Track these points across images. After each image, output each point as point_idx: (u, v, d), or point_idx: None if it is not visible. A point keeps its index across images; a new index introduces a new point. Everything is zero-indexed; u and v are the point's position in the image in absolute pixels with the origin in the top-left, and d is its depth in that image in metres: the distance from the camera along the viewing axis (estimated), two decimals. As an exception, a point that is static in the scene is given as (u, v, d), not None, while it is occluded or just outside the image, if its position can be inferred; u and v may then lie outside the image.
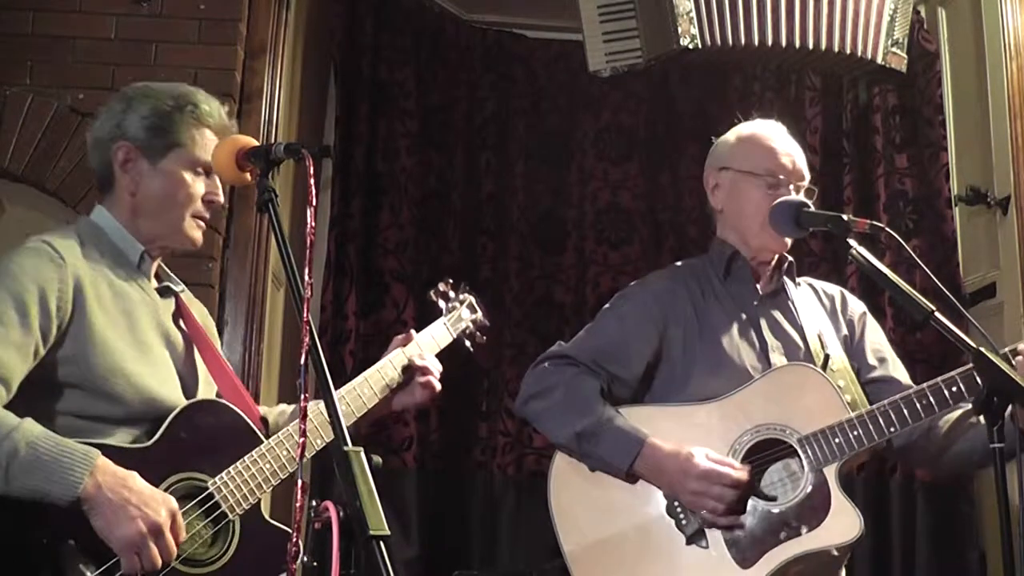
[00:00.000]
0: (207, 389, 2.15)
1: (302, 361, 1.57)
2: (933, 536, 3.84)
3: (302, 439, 1.58)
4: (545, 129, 4.45)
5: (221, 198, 2.18)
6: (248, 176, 1.83)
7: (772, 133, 2.53)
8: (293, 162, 1.78)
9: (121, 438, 1.96)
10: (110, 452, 1.87)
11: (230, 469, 2.00)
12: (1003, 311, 3.66)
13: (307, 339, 1.56)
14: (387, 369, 2.27)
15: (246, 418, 2.07)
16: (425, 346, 2.34)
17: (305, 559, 1.55)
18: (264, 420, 2.22)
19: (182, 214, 2.12)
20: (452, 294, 2.51)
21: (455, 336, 2.46)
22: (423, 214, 4.25)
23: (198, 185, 2.13)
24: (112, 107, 2.17)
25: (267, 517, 2.06)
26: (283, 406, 2.36)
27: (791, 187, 2.44)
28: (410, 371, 2.29)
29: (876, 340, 2.55)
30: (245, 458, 2.02)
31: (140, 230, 2.12)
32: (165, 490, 1.91)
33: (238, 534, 2.00)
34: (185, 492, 1.96)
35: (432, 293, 2.50)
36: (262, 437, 2.07)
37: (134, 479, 1.86)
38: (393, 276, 4.11)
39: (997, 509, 1.79)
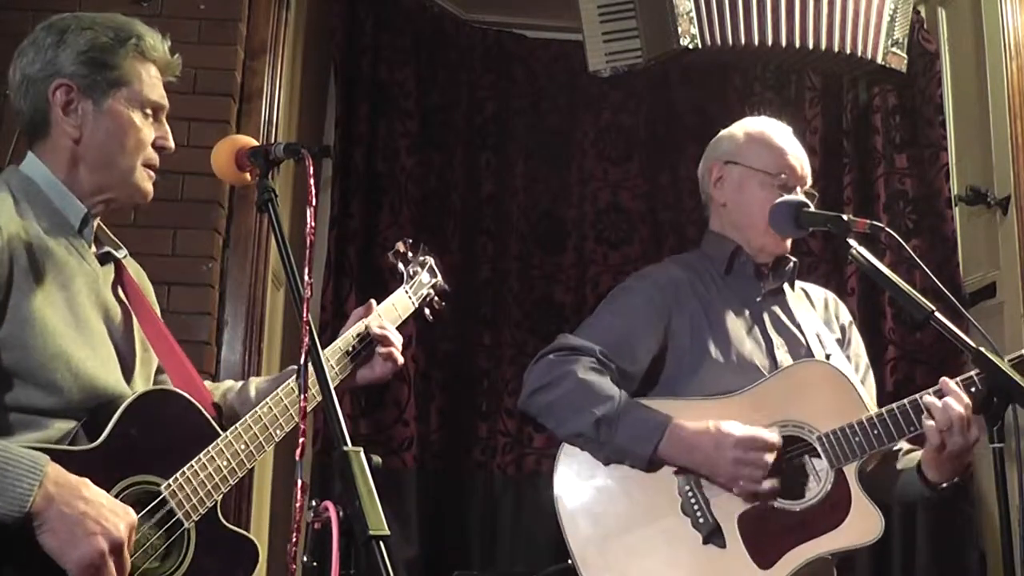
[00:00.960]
0: (144, 369, 1.92)
1: (302, 361, 1.55)
2: (933, 536, 3.83)
3: (302, 439, 1.57)
4: (545, 129, 4.44)
5: (172, 143, 1.94)
6: (248, 176, 1.79)
7: (782, 133, 2.54)
8: (293, 162, 1.75)
9: (56, 432, 1.72)
10: (55, 456, 1.63)
11: (184, 470, 1.79)
12: (1003, 311, 3.65)
13: (307, 339, 1.55)
14: (348, 342, 2.12)
15: (200, 408, 1.86)
16: (387, 316, 2.20)
17: (305, 559, 1.54)
18: (216, 405, 2.01)
19: (133, 163, 1.88)
20: (411, 255, 2.35)
21: (417, 305, 2.31)
22: (423, 214, 4.24)
23: (147, 129, 1.90)
24: (41, 40, 1.88)
25: (223, 520, 1.85)
26: (229, 382, 2.17)
27: (796, 190, 2.44)
28: (371, 343, 2.13)
29: (859, 351, 2.56)
30: (201, 456, 1.81)
31: (82, 183, 1.87)
32: (115, 497, 1.69)
33: (194, 543, 1.79)
34: (135, 499, 1.73)
35: (391, 255, 2.34)
36: (218, 429, 1.87)
37: (88, 487, 1.63)
38: (393, 276, 4.10)
39: (997, 509, 1.80)
